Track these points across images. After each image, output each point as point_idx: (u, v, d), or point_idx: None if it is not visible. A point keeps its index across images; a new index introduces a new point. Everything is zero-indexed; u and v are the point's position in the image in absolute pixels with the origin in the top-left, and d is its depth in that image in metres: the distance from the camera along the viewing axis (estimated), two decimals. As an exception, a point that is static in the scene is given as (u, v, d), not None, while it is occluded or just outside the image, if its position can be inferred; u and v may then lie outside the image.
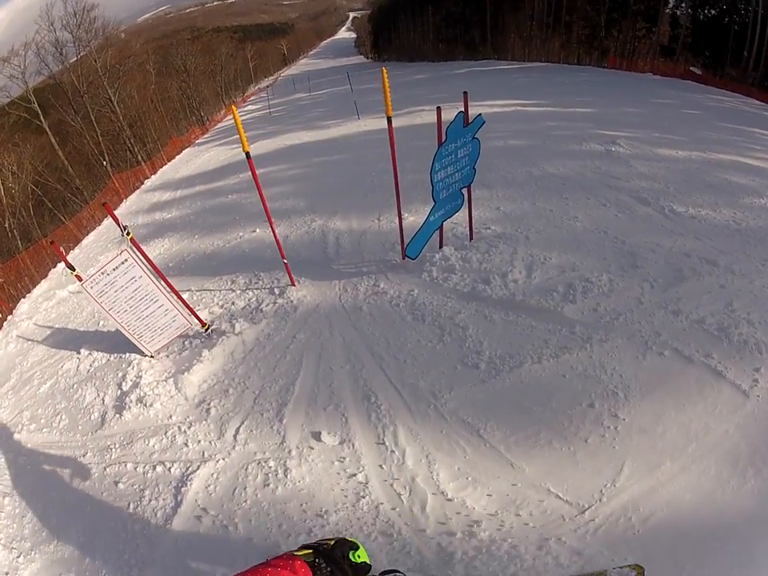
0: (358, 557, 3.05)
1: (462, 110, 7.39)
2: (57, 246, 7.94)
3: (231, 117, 48.72)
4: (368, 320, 7.70)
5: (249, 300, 9.06)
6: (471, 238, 9.08)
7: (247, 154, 7.33)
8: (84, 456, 6.62)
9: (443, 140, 7.37)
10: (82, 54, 41.11)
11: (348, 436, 5.75)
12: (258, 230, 12.51)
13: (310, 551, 2.96)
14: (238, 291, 9.50)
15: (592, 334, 6.37)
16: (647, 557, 3.92)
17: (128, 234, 7.05)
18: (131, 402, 7.14)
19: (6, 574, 5.30)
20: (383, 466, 5.28)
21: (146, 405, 7.00)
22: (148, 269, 7.45)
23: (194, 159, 29.58)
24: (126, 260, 7.24)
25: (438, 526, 4.57)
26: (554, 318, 6.79)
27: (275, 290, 9.10)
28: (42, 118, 38.80)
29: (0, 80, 38.10)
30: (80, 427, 7.26)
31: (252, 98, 71.80)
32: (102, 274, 7.29)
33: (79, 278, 7.44)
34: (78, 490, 6.15)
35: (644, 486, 4.50)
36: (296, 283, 9.09)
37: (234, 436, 6.14)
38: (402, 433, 5.61)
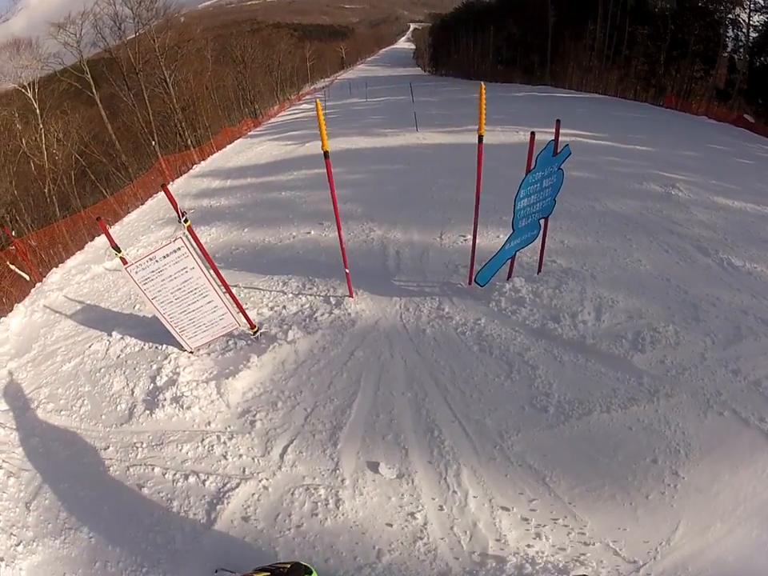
0: None
1: (553, 138, 7.08)
2: (103, 224, 7.39)
3: (284, 113, 49.15)
4: (432, 345, 7.30)
5: (302, 306, 8.63)
6: (539, 271, 8.75)
7: (326, 153, 6.99)
8: (105, 450, 6.22)
9: (532, 167, 7.03)
10: (140, 32, 41.03)
11: (408, 470, 5.41)
12: (312, 232, 12.18)
13: (268, 573, 3.09)
14: (290, 295, 9.06)
15: (659, 387, 6.18)
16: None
17: (185, 221, 6.60)
18: (165, 399, 6.71)
19: (1, 559, 4.89)
20: (444, 507, 4.97)
21: (182, 406, 6.55)
22: (202, 260, 6.98)
23: (246, 151, 29.37)
24: (180, 248, 6.77)
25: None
26: (622, 367, 6.55)
27: (331, 299, 8.67)
28: (93, 89, 38.83)
29: (54, 46, 38.19)
30: (103, 417, 6.85)
31: (307, 96, 72.70)
32: (151, 260, 6.83)
33: (124, 261, 6.95)
34: (95, 485, 5.75)
35: (695, 545, 4.46)
36: (354, 295, 8.64)
37: (281, 455, 5.73)
38: (466, 473, 5.30)
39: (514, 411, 6.02)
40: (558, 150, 7.19)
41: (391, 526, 4.83)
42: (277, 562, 3.47)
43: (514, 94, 42.94)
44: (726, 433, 5.52)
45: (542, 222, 8.00)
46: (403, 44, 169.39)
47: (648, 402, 5.96)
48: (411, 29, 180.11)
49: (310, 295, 8.94)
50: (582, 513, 4.79)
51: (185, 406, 6.53)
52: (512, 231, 7.64)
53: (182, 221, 6.57)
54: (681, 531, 4.54)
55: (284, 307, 8.61)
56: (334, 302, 8.52)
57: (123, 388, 7.27)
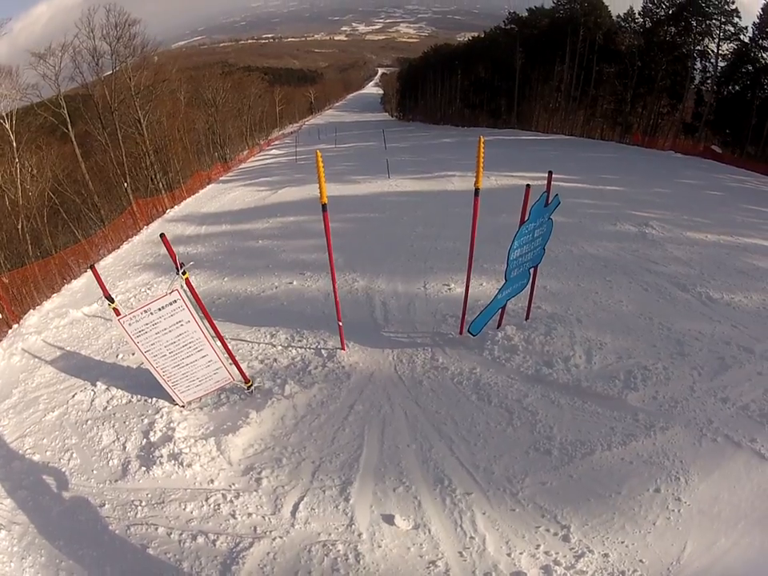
0: None
1: (545, 189, 7.39)
2: (97, 273, 7.08)
3: (255, 158, 49.31)
4: (430, 396, 7.35)
5: (293, 359, 8.56)
6: (527, 318, 8.94)
7: (324, 205, 6.97)
8: (101, 507, 5.96)
9: (526, 219, 7.27)
10: (117, 69, 40.74)
11: (423, 520, 5.41)
12: (294, 282, 12.16)
13: None
14: (279, 347, 9.00)
15: (654, 421, 6.47)
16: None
17: (183, 273, 6.52)
18: (162, 456, 6.50)
19: None
20: (463, 553, 4.99)
21: (181, 463, 6.37)
22: (197, 312, 6.89)
23: (219, 196, 29.30)
24: (176, 301, 6.67)
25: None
26: (618, 406, 6.82)
27: (322, 351, 8.64)
28: (69, 125, 38.37)
29: (33, 77, 37.70)
30: (95, 472, 6.60)
31: (276, 142, 73.08)
32: (145, 312, 6.69)
33: (117, 312, 6.81)
34: (94, 544, 5.49)
35: (703, 561, 4.71)
36: (346, 347, 8.62)
37: (293, 513, 5.60)
38: (480, 519, 5.36)
39: (519, 456, 6.15)
40: (549, 200, 7.42)
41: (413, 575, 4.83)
42: None
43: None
44: (722, 456, 5.83)
45: (531, 270, 8.19)
46: (371, 89, 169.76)
47: (645, 436, 6.21)
48: (379, 74, 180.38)
49: (300, 347, 8.90)
50: (597, 546, 4.92)
51: (184, 464, 6.36)
52: (504, 281, 7.79)
53: (180, 273, 6.48)
54: (689, 550, 4.78)
55: (275, 360, 8.54)
56: (326, 355, 8.49)
57: (114, 442, 7.06)
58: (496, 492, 5.66)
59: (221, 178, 39.45)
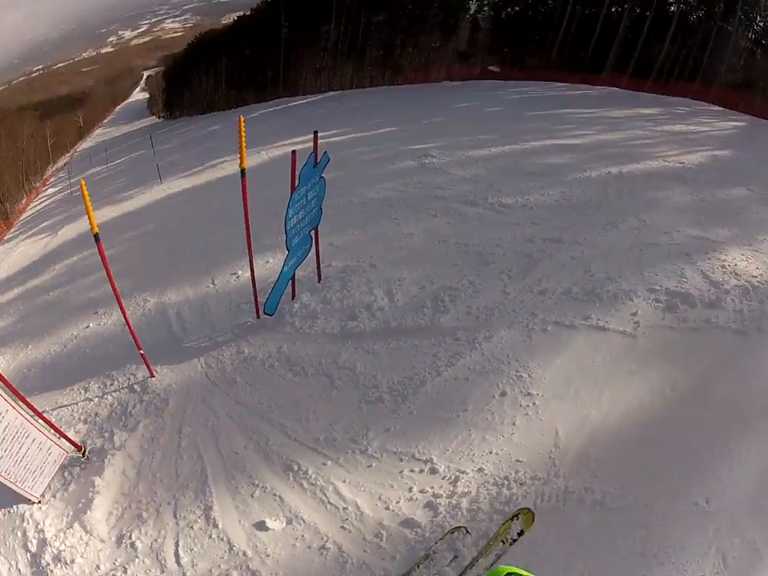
0: None
1: (312, 151, 7.38)
2: None
3: (33, 203, 45.25)
4: (248, 390, 7.35)
5: (111, 406, 8.08)
6: (320, 280, 9.06)
7: (96, 235, 6.81)
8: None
9: (297, 184, 7.27)
10: None
11: (292, 513, 5.43)
12: (91, 324, 11.34)
13: None
14: (96, 399, 8.41)
15: (475, 335, 6.88)
16: (610, 476, 4.76)
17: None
18: (48, 564, 6.04)
19: None
20: (345, 526, 5.11)
21: (66, 562, 5.99)
22: (10, 396, 6.38)
23: (5, 260, 26.26)
24: None
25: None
26: (433, 333, 7.14)
27: (135, 387, 8.22)
28: None
29: None
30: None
31: (51, 179, 67.80)
32: None
33: None
34: None
35: (583, 434, 5.15)
36: (155, 374, 8.29)
37: (177, 561, 5.44)
38: (343, 487, 5.48)
39: (353, 414, 6.34)
40: (318, 160, 7.46)
41: (312, 566, 4.86)
42: None
43: (248, 117, 42.87)
44: (558, 343, 6.33)
45: (312, 233, 8.24)
46: (137, 95, 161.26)
47: (471, 350, 6.60)
48: (145, 77, 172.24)
49: (115, 391, 8.42)
50: (466, 465, 5.23)
51: (68, 561, 5.99)
52: (287, 252, 7.77)
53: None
54: (562, 433, 5.19)
55: (96, 414, 8.05)
56: (139, 390, 8.12)
57: (9, 570, 6.37)
58: (346, 456, 5.82)
59: (4, 238, 36.13)
